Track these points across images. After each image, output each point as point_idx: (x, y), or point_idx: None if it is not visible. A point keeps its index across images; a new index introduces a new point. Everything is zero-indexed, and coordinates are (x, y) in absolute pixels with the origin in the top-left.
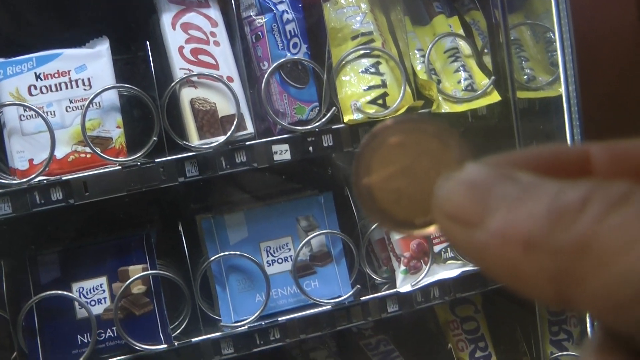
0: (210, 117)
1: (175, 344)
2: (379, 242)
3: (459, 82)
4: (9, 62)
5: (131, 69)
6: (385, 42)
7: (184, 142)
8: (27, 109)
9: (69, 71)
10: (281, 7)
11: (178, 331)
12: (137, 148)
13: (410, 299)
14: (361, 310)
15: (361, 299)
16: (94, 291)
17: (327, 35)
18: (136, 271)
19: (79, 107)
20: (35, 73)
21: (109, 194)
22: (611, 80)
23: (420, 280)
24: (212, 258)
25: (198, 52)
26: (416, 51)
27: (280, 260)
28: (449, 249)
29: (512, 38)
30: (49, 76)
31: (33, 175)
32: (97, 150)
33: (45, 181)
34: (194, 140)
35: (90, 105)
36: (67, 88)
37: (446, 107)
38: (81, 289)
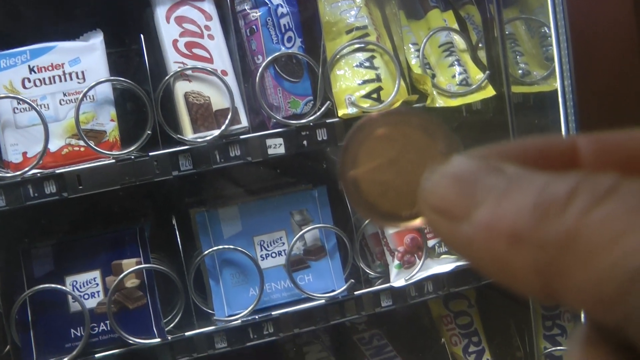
0: (204, 111)
1: (169, 337)
2: (372, 237)
3: (454, 76)
4: (3, 54)
5: (125, 62)
6: (380, 36)
7: (178, 135)
8: (21, 102)
9: (62, 64)
10: (276, 1)
11: (171, 325)
12: (131, 141)
13: (404, 293)
14: (355, 305)
15: (355, 293)
16: (87, 285)
17: (322, 29)
18: (130, 265)
19: (73, 100)
20: (29, 66)
21: (103, 187)
22: (606, 74)
23: (414, 275)
24: (206, 252)
25: (192, 45)
26: (411, 45)
27: (274, 254)
28: (442, 243)
29: (506, 32)
30: (43, 69)
31: (27, 169)
32: (91, 143)
33: (39, 174)
34: (188, 133)
35: (84, 99)
36: (60, 81)
37: (440, 102)
38: (75, 283)
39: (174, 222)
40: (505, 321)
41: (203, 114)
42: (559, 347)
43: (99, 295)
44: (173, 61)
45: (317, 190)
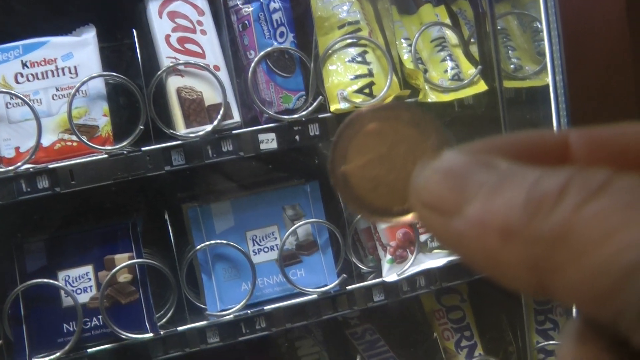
0: (196, 106)
1: (161, 332)
2: (365, 231)
3: (446, 71)
4: None
5: (118, 57)
6: (372, 31)
7: (171, 130)
8: (14, 97)
9: (55, 59)
10: None
11: (164, 320)
12: (123, 136)
13: (396, 288)
14: (347, 300)
15: (347, 288)
16: (80, 279)
17: (314, 24)
18: (122, 260)
19: (66, 95)
20: (22, 61)
21: (95, 182)
22: (598, 70)
23: (406, 270)
24: (198, 247)
25: (185, 40)
26: (403, 40)
27: (266, 249)
28: (434, 238)
29: (498, 27)
30: (36, 64)
31: (19, 164)
32: (84, 138)
33: (31, 169)
34: (181, 128)
35: (77, 94)
36: (53, 76)
37: (433, 97)
38: (67, 277)
39: (166, 217)
40: (497, 316)
41: (195, 109)
42: (551, 342)
43: (91, 290)
44: (165, 56)
45: (310, 185)
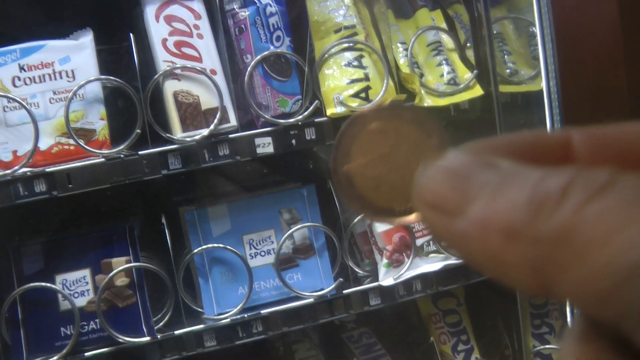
0: (193, 110)
1: (158, 336)
2: (361, 235)
3: (442, 75)
4: None
5: (115, 60)
6: (368, 35)
7: (167, 134)
8: (11, 101)
9: (52, 62)
10: (264, 0)
11: (161, 323)
12: (120, 140)
13: (392, 292)
14: (343, 303)
15: (343, 292)
16: (77, 283)
17: (309, 28)
18: (119, 263)
19: (63, 99)
20: (19, 64)
21: (92, 185)
22: (592, 75)
23: (402, 274)
24: (195, 250)
25: (181, 44)
26: (399, 44)
27: (262, 253)
28: (431, 242)
29: (494, 32)
30: (33, 67)
31: (17, 167)
32: (81, 142)
33: (28, 173)
34: (177, 132)
35: (74, 97)
36: (50, 79)
37: (429, 101)
38: (64, 281)
39: (163, 220)
40: (493, 319)
41: (192, 113)
42: (547, 346)
43: (88, 294)
44: (162, 60)
45: (306, 188)
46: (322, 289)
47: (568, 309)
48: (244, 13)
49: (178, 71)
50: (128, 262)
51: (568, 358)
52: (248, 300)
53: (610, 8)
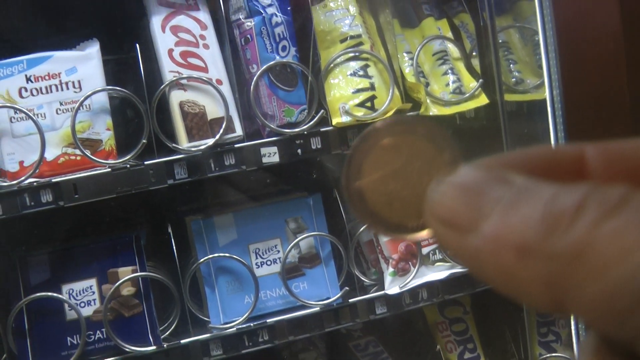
0: (199, 120)
1: (164, 345)
2: (367, 244)
3: (447, 84)
4: (0, 64)
5: (121, 70)
6: (374, 44)
7: (173, 144)
8: (18, 111)
9: (59, 73)
10: (270, 10)
11: (167, 332)
12: (126, 150)
13: (398, 300)
14: (349, 312)
15: (349, 300)
16: (83, 293)
17: (315, 38)
18: (126, 273)
19: (69, 109)
20: (26, 75)
21: (99, 195)
22: (595, 84)
23: (408, 282)
24: (202, 260)
25: (187, 54)
26: (405, 54)
27: (269, 262)
28: (437, 250)
29: (500, 41)
30: (40, 78)
31: (23, 177)
32: (87, 152)
33: (35, 183)
34: (183, 142)
35: (80, 108)
36: (57, 90)
37: (434, 110)
38: (71, 291)
39: (169, 230)
40: (500, 328)
41: (198, 123)
42: (553, 354)
43: (95, 303)
44: (168, 70)
45: (312, 197)
46: (328, 298)
47: (572, 319)
48: (250, 23)
49: (184, 81)
50: (134, 271)
51: None
52: (254, 309)
53: (612, 16)
